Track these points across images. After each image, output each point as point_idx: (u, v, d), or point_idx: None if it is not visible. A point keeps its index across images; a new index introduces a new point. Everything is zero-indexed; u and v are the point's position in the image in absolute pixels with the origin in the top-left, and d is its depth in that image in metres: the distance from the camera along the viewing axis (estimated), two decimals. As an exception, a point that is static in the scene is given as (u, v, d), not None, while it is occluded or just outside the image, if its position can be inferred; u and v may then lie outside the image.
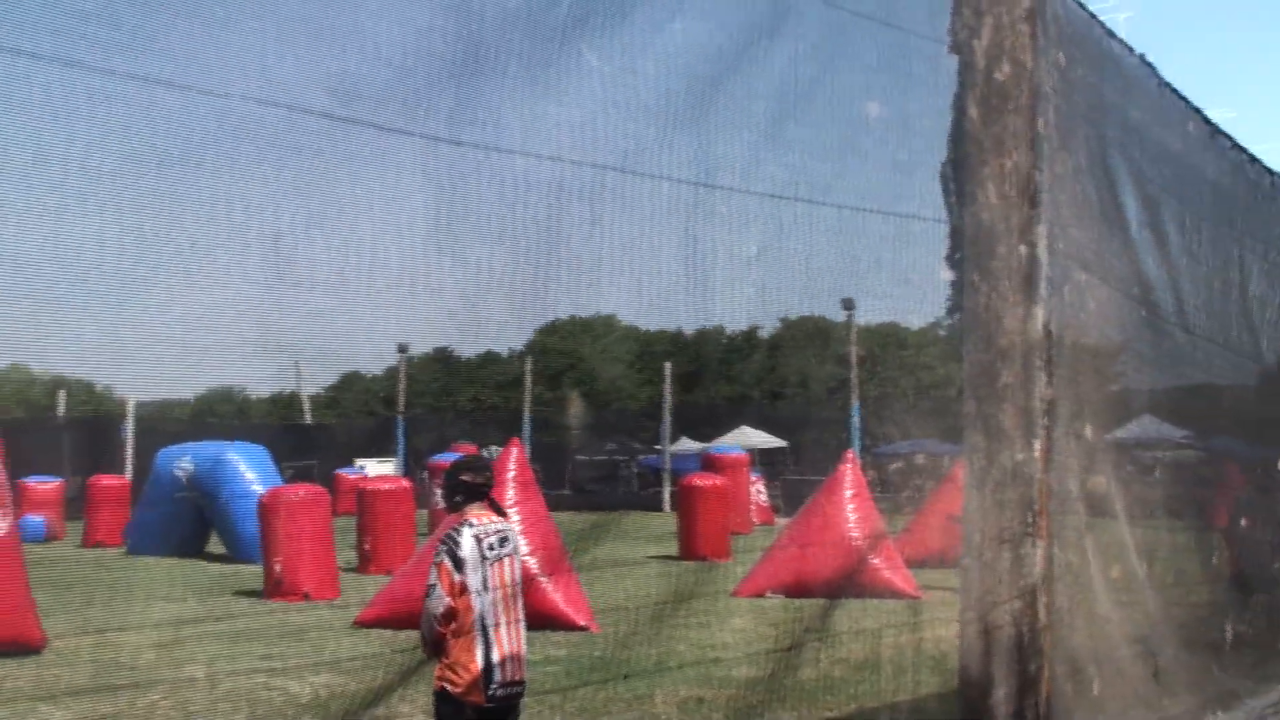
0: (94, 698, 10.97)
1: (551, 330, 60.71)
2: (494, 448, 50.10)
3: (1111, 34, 7.04)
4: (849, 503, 19.65)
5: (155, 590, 19.86)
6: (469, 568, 6.35)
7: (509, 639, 6.43)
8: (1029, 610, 5.88)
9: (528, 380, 44.68)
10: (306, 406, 59.89)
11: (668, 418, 46.37)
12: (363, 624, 15.33)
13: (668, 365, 46.21)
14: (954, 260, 6.01)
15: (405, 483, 25.65)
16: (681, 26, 4.98)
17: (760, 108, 5.23)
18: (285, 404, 66.31)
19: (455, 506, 6.71)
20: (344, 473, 40.96)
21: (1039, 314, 5.97)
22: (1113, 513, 7.13)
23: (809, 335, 53.61)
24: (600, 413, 58.80)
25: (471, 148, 4.62)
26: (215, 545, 27.03)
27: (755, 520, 34.66)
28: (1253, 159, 9.63)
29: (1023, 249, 5.92)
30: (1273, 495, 10.31)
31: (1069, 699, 6.32)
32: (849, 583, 18.23)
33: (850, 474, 20.00)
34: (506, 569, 6.51)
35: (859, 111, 5.40)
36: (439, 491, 33.37)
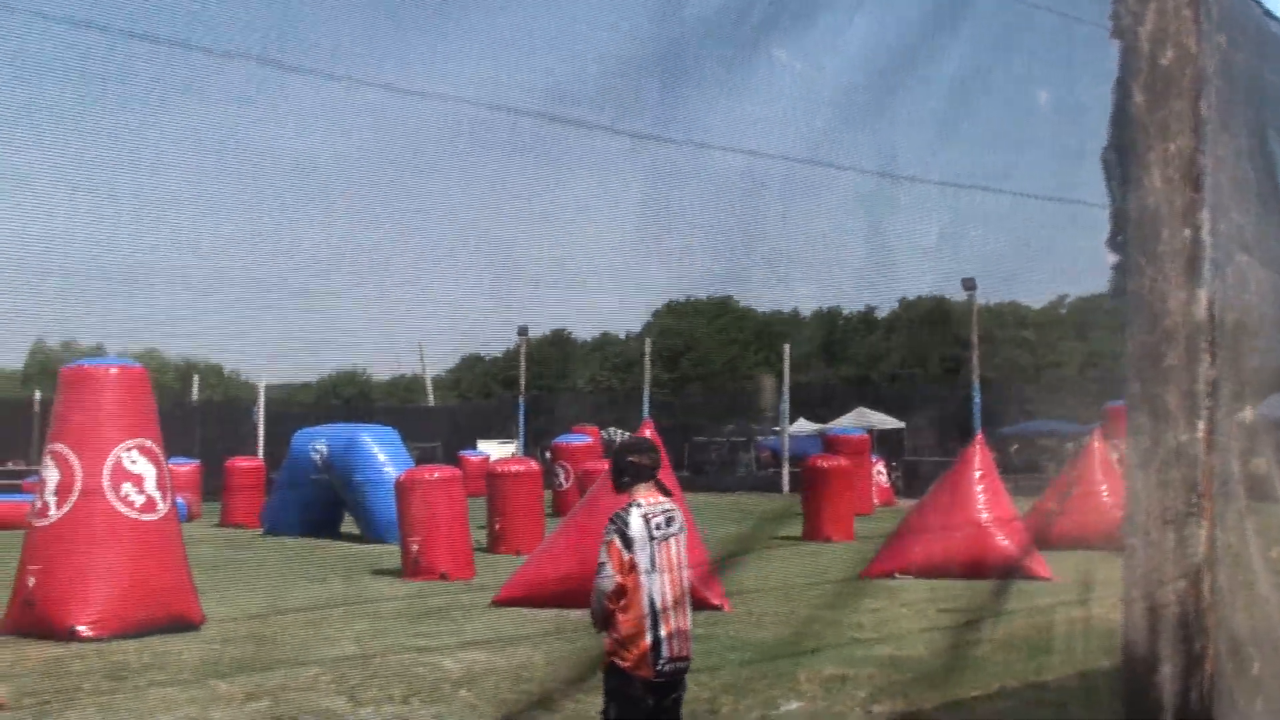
0: (256, 673, 11.40)
1: (668, 311, 60.95)
2: (614, 429, 50.52)
3: (1270, 14, 7.03)
4: (978, 483, 19.58)
5: (298, 569, 20.45)
6: (637, 546, 6.52)
7: (676, 616, 6.61)
8: (1193, 590, 5.93)
9: (647, 361, 44.86)
10: (429, 388, 60.77)
11: (786, 399, 46.35)
12: (501, 603, 15.66)
13: (786, 346, 46.19)
14: (1116, 244, 6.07)
15: (534, 465, 26.01)
16: (862, 22, 5.12)
17: (936, 98, 5.36)
18: (406, 386, 67.43)
19: (623, 487, 6.90)
20: (466, 454, 41.60)
21: (1202, 296, 6.00)
22: (1274, 495, 7.13)
23: (926, 316, 53.22)
24: (717, 395, 58.89)
25: (676, 144, 4.81)
26: (349, 525, 27.71)
27: (876, 501, 34.65)
28: None
29: (1186, 232, 5.96)
30: None
31: (1230, 678, 6.37)
32: (978, 564, 18.21)
33: (979, 455, 19.91)
34: (673, 548, 6.69)
35: (1029, 99, 5.49)
36: (561, 471, 33.97)
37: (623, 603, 6.57)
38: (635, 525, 6.58)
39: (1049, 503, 23.52)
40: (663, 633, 6.54)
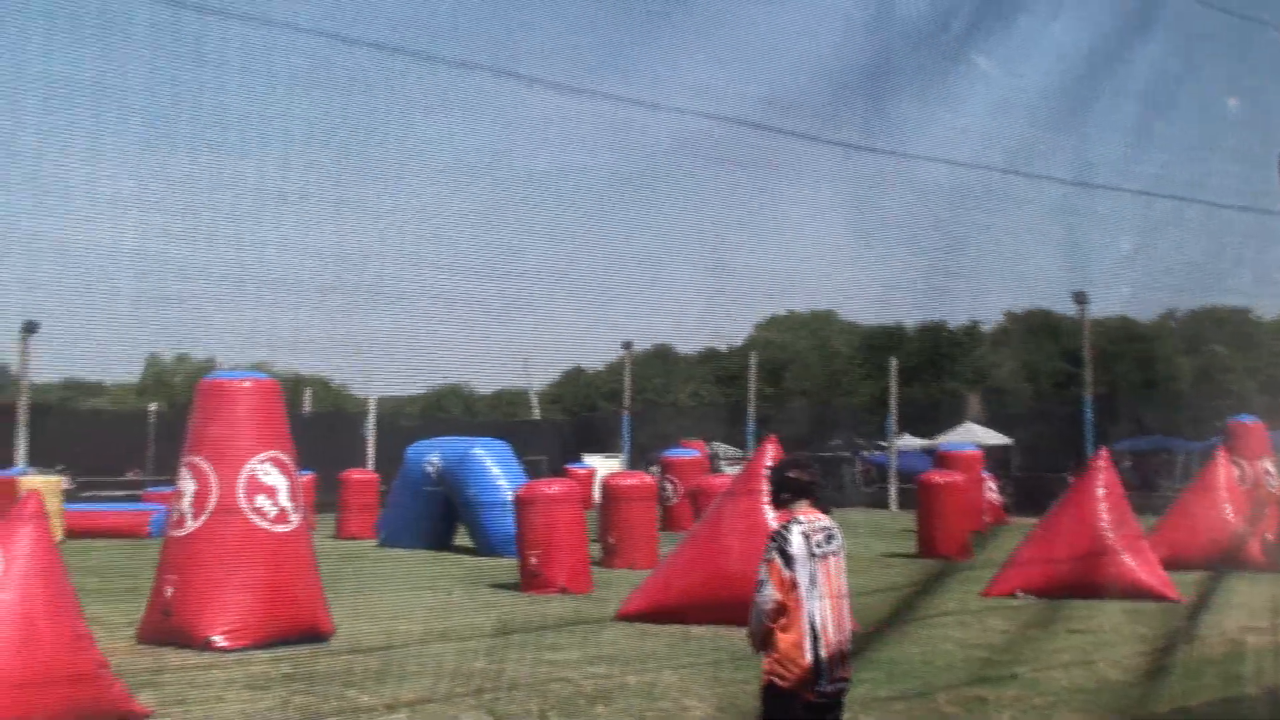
0: (391, 685, 11.52)
1: (770, 324, 60.83)
2: (717, 443, 50.47)
3: None
4: (1102, 501, 19.25)
5: (418, 581, 20.66)
6: (798, 564, 6.49)
7: (836, 635, 6.58)
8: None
9: (752, 375, 44.80)
10: (534, 402, 61.13)
11: (894, 413, 45.97)
12: (625, 617, 15.70)
13: (894, 360, 45.82)
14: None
15: (649, 479, 26.07)
16: (1059, 28, 5.08)
17: (1130, 106, 5.30)
18: (509, 399, 67.90)
19: (782, 504, 6.87)
20: (573, 468, 41.76)
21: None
22: None
23: (1034, 329, 52.50)
24: (823, 408, 58.58)
25: (881, 154, 4.81)
26: (462, 538, 27.95)
27: (987, 518, 34.21)
28: None
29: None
30: None
31: None
32: (1103, 584, 17.91)
33: (1103, 472, 19.58)
34: (833, 565, 6.66)
35: (1220, 107, 5.41)
36: (670, 485, 34.00)
37: (782, 621, 6.54)
38: (796, 542, 6.55)
39: (1171, 520, 23.09)
40: (823, 653, 6.50)
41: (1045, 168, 5.02)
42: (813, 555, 6.56)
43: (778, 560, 6.54)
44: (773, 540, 6.65)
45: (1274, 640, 9.43)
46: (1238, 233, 5.52)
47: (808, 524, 6.65)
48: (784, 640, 6.54)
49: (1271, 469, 26.59)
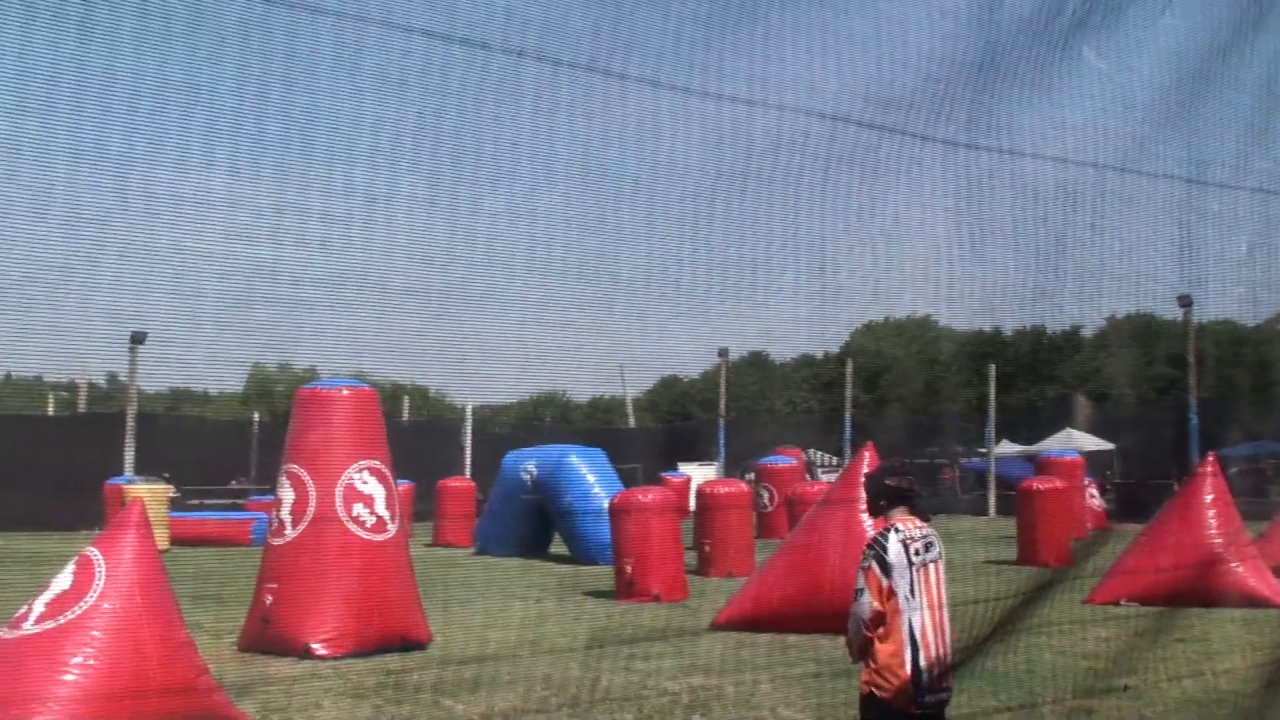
0: (487, 693, 11.54)
1: (868, 331, 60.38)
2: (813, 450, 50.17)
3: None
4: (1209, 508, 18.81)
5: (513, 589, 20.72)
6: (896, 573, 6.37)
7: (937, 645, 6.45)
8: None
9: (849, 382, 44.46)
10: (630, 410, 61.20)
11: (993, 419, 45.37)
12: (720, 626, 15.60)
13: (993, 366, 45.23)
14: None
15: (743, 487, 25.95)
16: (1170, 21, 4.93)
17: (1246, 100, 5.12)
18: (604, 408, 68.06)
19: (879, 511, 6.75)
20: (669, 476, 41.72)
21: None
22: None
23: (1135, 334, 51.56)
24: (919, 415, 58.00)
25: (986, 151, 4.71)
26: (558, 546, 28.02)
27: (1089, 525, 33.62)
28: None
29: None
30: None
31: None
32: (1210, 591, 17.49)
33: (1210, 478, 19.13)
34: (932, 574, 6.53)
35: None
36: (766, 493, 33.86)
37: (881, 631, 6.41)
38: (894, 551, 6.42)
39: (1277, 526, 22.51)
40: (923, 663, 6.36)
41: (1156, 165, 4.87)
42: (911, 564, 6.42)
43: (875, 569, 6.42)
44: (870, 548, 6.52)
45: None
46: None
47: (906, 532, 6.51)
48: (883, 650, 6.41)
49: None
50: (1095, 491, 36.88)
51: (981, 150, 4.74)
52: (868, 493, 6.97)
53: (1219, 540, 18.44)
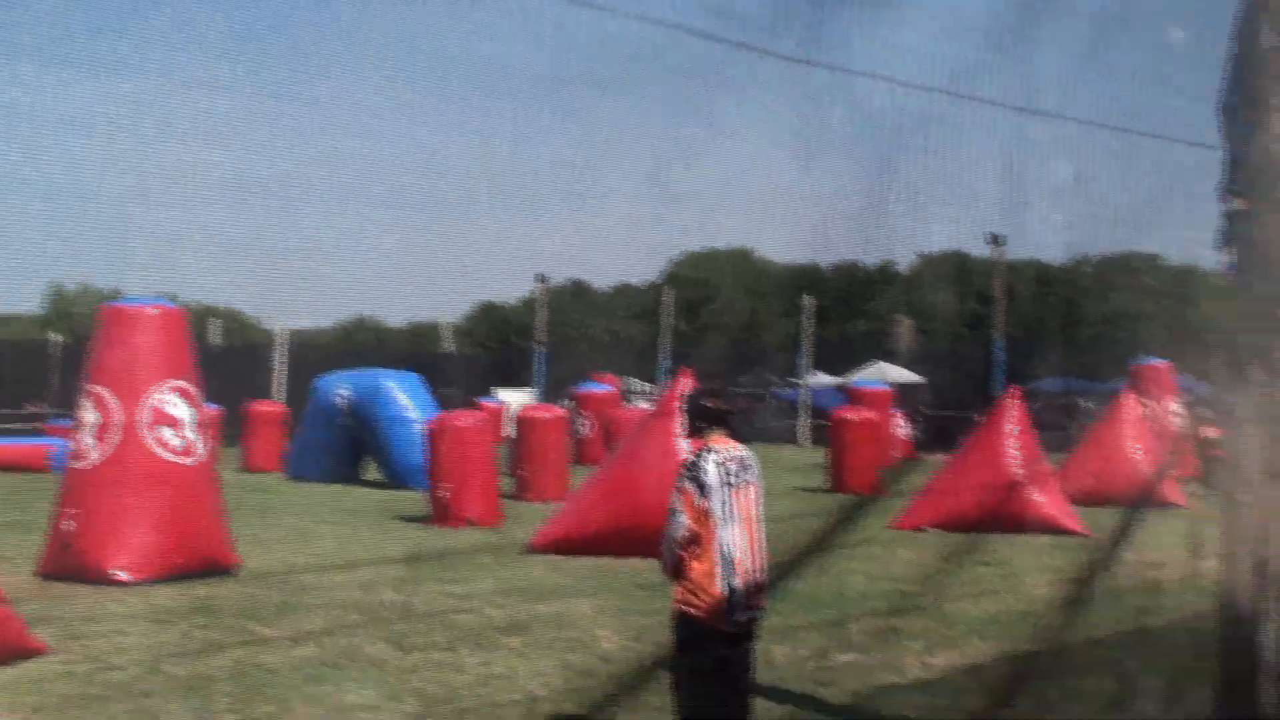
0: (298, 618, 11.30)
1: (686, 261, 60.75)
2: (631, 379, 50.39)
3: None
4: (1010, 439, 19.44)
5: (326, 514, 20.37)
6: (712, 493, 6.34)
7: (751, 564, 6.46)
8: (1298, 547, 5.79)
9: (667, 311, 44.65)
10: (449, 335, 60.59)
11: (806, 351, 46.14)
12: (537, 549, 15.57)
13: (806, 298, 45.92)
14: (1230, 191, 5.88)
15: (561, 412, 25.91)
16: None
17: (1079, 30, 5.13)
18: (421, 333, 67.29)
19: (697, 432, 6.70)
20: (485, 401, 41.49)
21: (1316, 246, 5.83)
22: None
23: (947, 270, 52.91)
24: (737, 345, 58.70)
25: (823, 68, 4.61)
26: (371, 471, 27.66)
27: (897, 454, 34.53)
28: None
29: (1304, 180, 5.78)
30: None
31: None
32: (1011, 519, 18.08)
33: (1013, 410, 19.75)
34: (748, 495, 6.52)
35: (1163, 38, 5.27)
36: (584, 420, 33.95)
37: (695, 550, 6.39)
38: (710, 471, 6.39)
39: (1077, 458, 23.40)
40: (736, 582, 6.35)
41: (991, 92, 4.88)
42: (727, 484, 6.40)
43: (690, 488, 6.38)
44: (686, 469, 6.48)
45: (1187, 574, 9.49)
46: (1175, 168, 5.44)
47: (722, 452, 6.49)
48: (696, 569, 6.38)
49: (1176, 409, 27.07)
50: (903, 422, 37.82)
51: (817, 67, 4.67)
52: (686, 415, 6.91)
53: (1019, 469, 19.08)
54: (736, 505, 6.44)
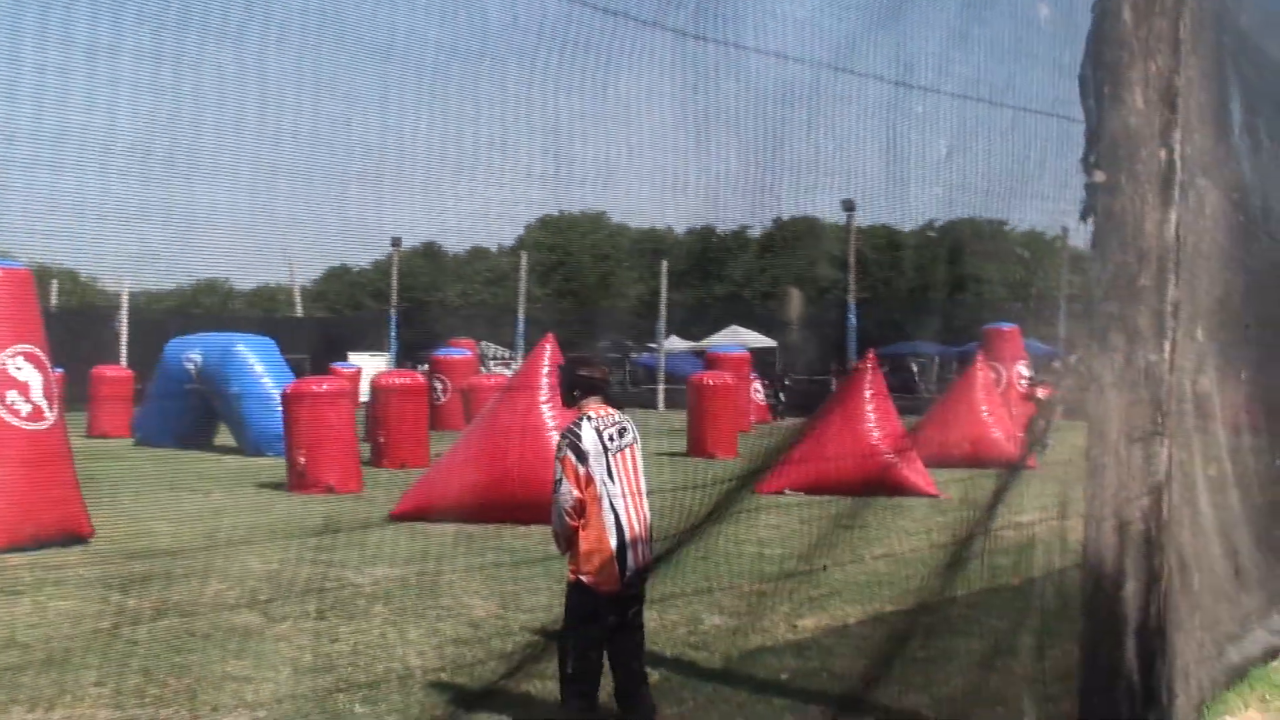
0: (159, 588, 11.08)
1: (542, 225, 60.57)
2: (486, 343, 50.18)
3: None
4: (868, 403, 19.81)
5: (179, 481, 19.94)
6: (592, 459, 6.42)
7: (639, 525, 6.53)
8: (1155, 507, 6.02)
9: (523, 276, 44.52)
10: (298, 299, 59.59)
11: (664, 316, 46.39)
12: (398, 517, 15.47)
13: (664, 263, 46.15)
14: (1090, 163, 6.07)
15: (419, 378, 25.71)
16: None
17: (951, 4, 5.25)
18: (269, 296, 66.08)
19: (572, 400, 6.77)
20: (338, 367, 40.94)
21: (1173, 217, 6.06)
22: (1213, 414, 7.28)
23: (799, 236, 53.60)
24: (593, 310, 58.78)
25: (713, 43, 4.64)
26: (222, 437, 27.15)
27: (754, 419, 34.91)
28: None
29: (1162, 153, 5.99)
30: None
31: (1177, 594, 6.51)
32: (870, 482, 18.45)
33: (870, 375, 20.13)
34: (628, 458, 6.59)
35: (1033, 12, 5.43)
36: (440, 385, 33.73)
37: (582, 520, 6.45)
38: (588, 438, 6.48)
39: (930, 421, 23.97)
40: (627, 540, 6.44)
41: (867, 65, 4.98)
42: (606, 449, 6.48)
43: (571, 457, 6.44)
44: (564, 437, 6.56)
45: (1052, 533, 9.81)
46: (1042, 139, 5.62)
47: (599, 419, 6.57)
48: (586, 537, 6.44)
49: (1025, 372, 27.87)
50: (760, 386, 38.30)
51: (708, 42, 4.70)
52: (560, 384, 6.97)
53: (877, 433, 19.48)
54: (619, 469, 6.52)
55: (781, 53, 4.85)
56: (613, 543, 6.41)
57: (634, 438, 6.70)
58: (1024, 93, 5.51)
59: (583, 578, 6.45)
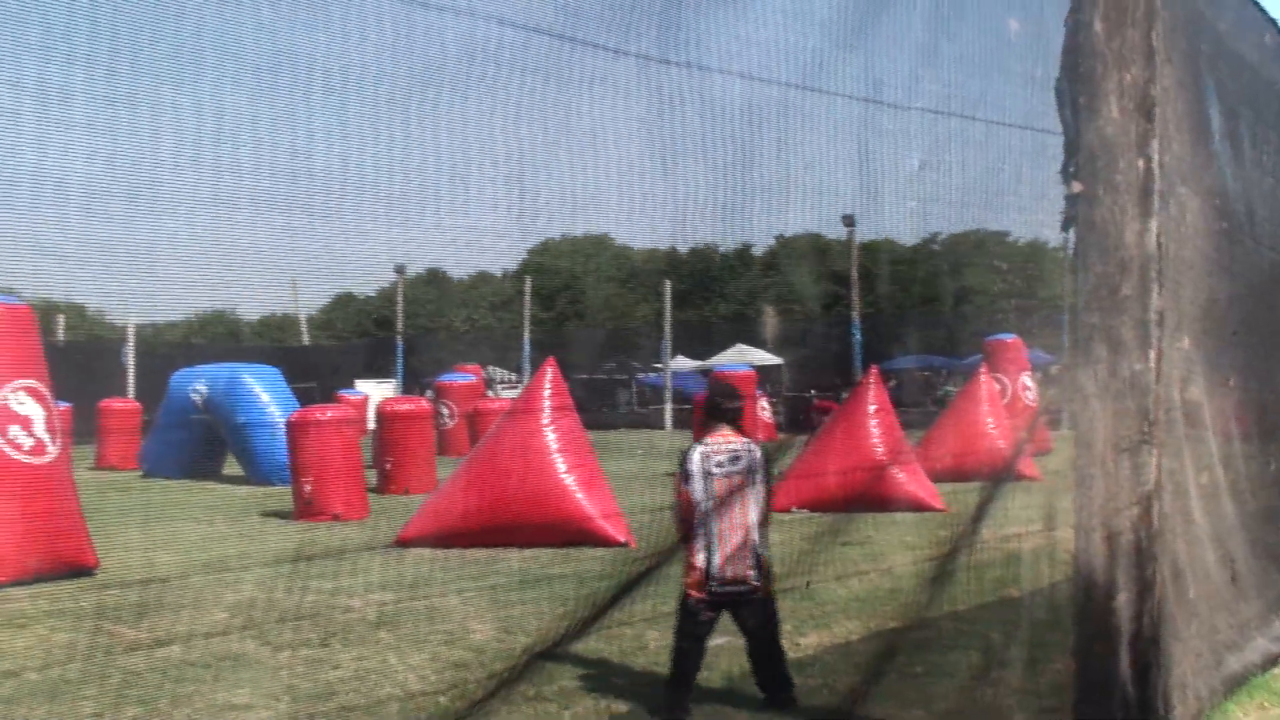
0: (162, 618, 11.11)
1: (544, 250, 60.56)
2: (493, 367, 50.26)
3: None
4: (872, 418, 19.78)
5: (185, 512, 19.97)
6: (694, 480, 7.49)
7: (729, 544, 7.45)
8: (1145, 517, 6.03)
9: (526, 300, 44.57)
10: (304, 328, 59.69)
11: (668, 335, 46.42)
12: (403, 543, 15.48)
13: (667, 283, 46.19)
14: (1068, 174, 6.10)
15: (424, 404, 25.76)
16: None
17: (918, 22, 5.32)
18: (277, 325, 66.23)
19: (704, 426, 7.94)
20: (346, 394, 40.99)
21: (1153, 227, 6.08)
22: (1204, 423, 7.28)
23: (804, 253, 53.63)
24: (596, 332, 58.83)
25: (677, 66, 4.70)
26: (231, 468, 27.18)
27: (760, 437, 34.88)
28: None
29: (1140, 163, 6.02)
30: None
31: (1172, 603, 6.51)
32: (874, 498, 18.44)
33: (873, 390, 20.11)
34: (733, 483, 7.52)
35: (1002, 27, 5.49)
36: (446, 410, 33.75)
37: (687, 530, 7.51)
38: (694, 461, 7.55)
39: (934, 435, 23.92)
40: (716, 559, 7.42)
41: (836, 84, 5.05)
42: (709, 473, 7.50)
43: (679, 476, 7.57)
44: (679, 457, 7.68)
45: (1044, 545, 9.83)
46: (1018, 152, 5.71)
47: (712, 445, 7.62)
48: (689, 548, 7.49)
49: (1029, 384, 27.84)
50: (766, 404, 38.27)
51: (673, 65, 4.78)
52: (703, 411, 8.22)
53: (881, 449, 19.45)
54: (719, 491, 7.50)
55: (746, 73, 4.89)
56: (700, 555, 7.45)
57: (748, 465, 7.61)
58: (996, 107, 5.57)
59: (684, 580, 7.54)
